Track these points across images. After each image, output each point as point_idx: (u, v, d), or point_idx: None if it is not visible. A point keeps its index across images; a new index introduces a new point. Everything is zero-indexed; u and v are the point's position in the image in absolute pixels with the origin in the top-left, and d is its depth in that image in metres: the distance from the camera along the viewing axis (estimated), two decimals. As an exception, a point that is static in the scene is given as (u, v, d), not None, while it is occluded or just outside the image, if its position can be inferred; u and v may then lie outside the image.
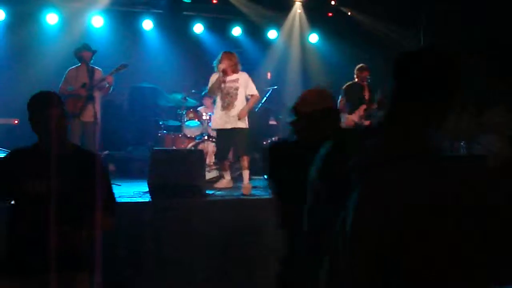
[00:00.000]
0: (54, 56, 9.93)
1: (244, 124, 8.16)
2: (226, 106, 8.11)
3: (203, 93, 10.55)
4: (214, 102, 9.92)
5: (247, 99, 8.24)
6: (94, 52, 8.86)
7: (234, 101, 8.10)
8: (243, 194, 7.66)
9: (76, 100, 8.58)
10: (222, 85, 8.10)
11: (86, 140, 8.64)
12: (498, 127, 4.29)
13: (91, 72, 8.75)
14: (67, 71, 8.77)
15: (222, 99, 8.15)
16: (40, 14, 10.99)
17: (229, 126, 8.09)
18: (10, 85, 9.80)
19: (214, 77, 8.22)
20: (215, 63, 8.21)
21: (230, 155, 8.77)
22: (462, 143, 8.56)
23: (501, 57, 9.54)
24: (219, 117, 8.19)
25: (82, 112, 8.58)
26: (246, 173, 8.12)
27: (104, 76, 8.74)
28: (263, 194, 7.75)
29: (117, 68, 8.76)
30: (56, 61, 9.46)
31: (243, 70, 8.34)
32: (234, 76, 8.17)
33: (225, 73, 8.07)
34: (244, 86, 8.18)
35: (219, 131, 8.31)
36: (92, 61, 8.85)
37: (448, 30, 10.54)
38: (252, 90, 8.28)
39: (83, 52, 8.77)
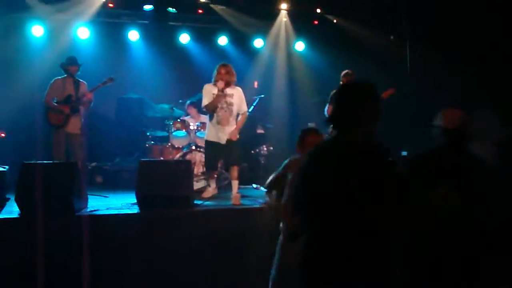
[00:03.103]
0: (40, 68, 9.88)
1: (233, 138, 8.20)
2: (220, 121, 8.11)
3: (188, 101, 10.54)
4: (199, 112, 9.93)
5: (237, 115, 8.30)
6: (80, 65, 8.86)
7: (229, 117, 8.13)
8: (233, 204, 7.64)
9: (60, 112, 8.57)
10: (222, 99, 8.05)
11: (72, 152, 8.63)
12: (480, 134, 4.34)
13: (77, 84, 8.75)
14: (52, 81, 8.76)
15: (216, 113, 8.13)
16: (26, 26, 10.97)
17: (223, 142, 8.10)
18: (-5, 98, 9.76)
19: (209, 90, 8.13)
20: (213, 74, 8.13)
21: (220, 164, 8.78)
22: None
23: (486, 61, 9.60)
24: (215, 132, 8.15)
25: (66, 123, 8.57)
26: (235, 183, 8.12)
27: (87, 90, 8.74)
28: (252, 203, 7.74)
29: (104, 82, 8.78)
30: (42, 73, 9.41)
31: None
32: (229, 91, 8.13)
33: (221, 85, 8.00)
34: (238, 103, 8.20)
35: (212, 143, 8.24)
36: (78, 73, 8.84)
37: (433, 36, 10.61)
38: (244, 107, 8.33)
39: (69, 66, 8.76)
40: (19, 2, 10.38)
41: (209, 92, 8.11)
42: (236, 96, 8.18)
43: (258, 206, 7.43)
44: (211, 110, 8.15)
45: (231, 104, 8.12)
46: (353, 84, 3.40)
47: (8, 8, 10.48)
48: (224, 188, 9.16)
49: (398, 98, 9.48)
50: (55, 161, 8.22)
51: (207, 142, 8.35)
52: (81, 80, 8.87)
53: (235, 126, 8.22)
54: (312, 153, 3.22)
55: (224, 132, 8.11)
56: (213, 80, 8.12)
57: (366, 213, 2.86)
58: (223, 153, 8.24)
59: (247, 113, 8.57)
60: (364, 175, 2.87)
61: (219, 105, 8.06)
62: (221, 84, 7.95)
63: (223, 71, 8.03)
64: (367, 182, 2.85)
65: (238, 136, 8.22)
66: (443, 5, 10.13)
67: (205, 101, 8.14)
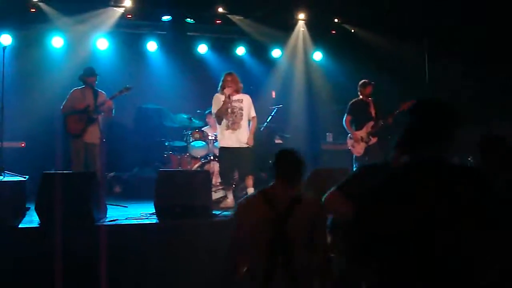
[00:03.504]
0: (60, 79, 9.98)
1: (248, 143, 8.33)
2: (231, 126, 8.29)
3: (206, 111, 10.57)
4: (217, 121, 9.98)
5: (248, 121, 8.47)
6: (97, 75, 8.93)
7: (240, 121, 8.31)
8: None
9: (77, 121, 8.63)
10: (228, 105, 8.23)
11: (90, 162, 8.67)
12: None
13: (95, 94, 8.81)
14: (71, 91, 8.84)
15: (227, 118, 8.30)
16: (46, 37, 11.08)
17: (235, 145, 8.24)
18: (16, 108, 9.83)
19: (218, 98, 8.39)
20: (220, 84, 8.35)
21: (236, 175, 8.79)
22: (469, 158, 8.60)
23: (506, 70, 9.55)
24: (227, 136, 8.31)
25: (85, 133, 8.62)
26: (251, 192, 8.12)
27: (106, 99, 8.80)
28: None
29: (120, 91, 8.83)
30: (62, 84, 9.49)
31: (245, 91, 8.57)
32: (238, 96, 8.39)
33: (229, 96, 8.23)
34: (247, 107, 8.43)
35: (225, 149, 8.39)
36: (96, 83, 8.91)
37: (452, 45, 10.55)
38: (253, 112, 8.56)
39: (88, 77, 8.84)
40: (40, 14, 10.51)
41: (218, 100, 8.38)
42: (245, 101, 8.44)
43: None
44: (221, 116, 8.34)
45: (241, 109, 8.36)
46: (444, 104, 3.11)
47: (29, 20, 10.61)
48: (241, 197, 9.14)
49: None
50: (74, 171, 8.28)
51: (221, 149, 8.49)
52: (99, 90, 8.94)
53: (246, 130, 8.39)
54: (389, 176, 2.84)
55: (235, 135, 8.27)
56: (219, 88, 8.40)
57: (468, 239, 2.56)
58: (238, 161, 8.33)
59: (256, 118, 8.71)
60: (466, 198, 2.58)
61: (229, 111, 8.27)
62: (228, 90, 8.23)
63: (229, 78, 8.36)
64: (469, 206, 2.57)
65: (253, 142, 8.39)
66: (462, 13, 10.08)
67: (214, 108, 8.43)
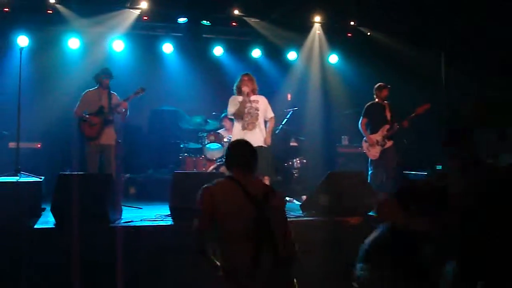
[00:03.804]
0: (76, 80, 10.00)
1: (265, 143, 8.26)
2: (247, 126, 8.22)
3: (222, 115, 10.58)
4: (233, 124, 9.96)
5: (265, 121, 8.42)
6: (112, 76, 8.93)
7: (255, 122, 8.25)
8: None
9: (93, 124, 8.63)
10: (247, 104, 8.22)
11: (105, 163, 8.68)
12: None
13: (109, 95, 8.81)
14: (84, 94, 8.85)
15: (243, 118, 8.23)
16: (62, 39, 11.14)
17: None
18: (33, 109, 9.88)
19: (235, 99, 8.36)
20: (235, 85, 8.29)
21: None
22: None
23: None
24: (241, 137, 8.15)
25: (100, 135, 8.63)
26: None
27: (120, 101, 8.80)
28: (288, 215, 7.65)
29: (136, 92, 8.83)
30: (78, 86, 9.51)
31: (261, 93, 8.53)
32: (254, 97, 8.35)
33: (247, 94, 8.20)
34: (263, 108, 8.39)
35: None
36: (110, 84, 8.90)
37: (469, 50, 10.48)
38: (271, 112, 8.54)
39: (103, 78, 8.84)
40: (57, 16, 10.54)
41: (234, 101, 8.36)
42: (261, 102, 8.41)
43: (293, 218, 7.39)
44: (240, 115, 8.28)
45: (257, 109, 8.31)
46: None
47: (46, 21, 10.67)
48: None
49: (433, 111, 9.38)
50: (90, 172, 8.30)
51: None
52: (112, 92, 8.94)
53: (262, 131, 8.32)
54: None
55: (251, 135, 8.10)
56: (234, 89, 8.40)
57: None
58: None
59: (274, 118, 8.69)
60: None
61: (246, 111, 8.23)
62: (246, 89, 8.21)
63: (246, 78, 8.35)
64: None
65: (270, 141, 8.33)
66: (479, 17, 10.01)
67: (231, 110, 8.36)
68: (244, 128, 8.22)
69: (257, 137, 8.16)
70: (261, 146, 8.16)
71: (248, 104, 8.26)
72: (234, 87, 8.42)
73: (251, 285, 3.69)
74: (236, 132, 8.35)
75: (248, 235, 3.72)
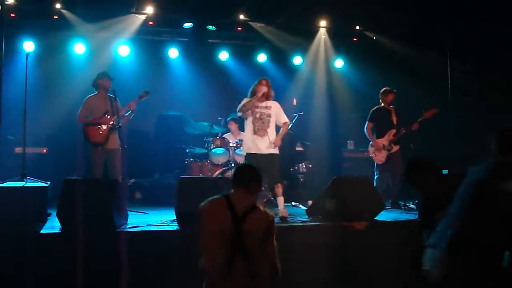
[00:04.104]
0: (81, 85, 9.97)
1: (276, 149, 8.14)
2: (258, 131, 8.07)
3: (228, 118, 10.57)
4: (239, 128, 9.93)
5: (277, 127, 8.27)
6: (113, 79, 8.90)
7: (267, 128, 8.09)
8: (281, 217, 7.59)
9: (99, 129, 8.61)
10: (256, 109, 8.08)
11: (111, 168, 8.65)
12: None
13: (110, 99, 8.78)
14: (86, 99, 8.78)
15: (254, 123, 8.10)
16: (68, 44, 11.18)
17: (261, 152, 8.02)
18: (39, 114, 9.91)
19: (245, 100, 8.18)
20: (251, 88, 8.18)
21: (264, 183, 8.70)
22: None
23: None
24: (252, 142, 8.10)
25: (106, 141, 8.60)
26: (281, 200, 8.02)
27: (125, 106, 8.77)
28: (293, 220, 7.64)
29: (140, 96, 8.81)
30: (83, 91, 9.48)
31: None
32: (267, 103, 8.18)
33: (261, 97, 8.07)
34: (275, 114, 8.21)
35: (251, 155, 8.09)
36: (116, 89, 8.87)
37: (474, 53, 10.45)
38: (284, 118, 8.33)
39: (104, 80, 8.80)
40: (62, 21, 10.56)
41: (246, 101, 8.16)
42: (274, 108, 8.22)
43: (299, 223, 7.38)
44: (245, 111, 8.11)
45: (269, 116, 8.14)
46: None
47: (51, 26, 10.70)
48: (262, 205, 9.08)
49: (440, 116, 9.35)
50: (96, 177, 8.29)
51: (247, 155, 8.18)
52: (112, 96, 8.86)
53: (273, 137, 8.14)
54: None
55: (262, 141, 8.05)
56: (250, 91, 8.20)
57: None
58: (262, 168, 8.16)
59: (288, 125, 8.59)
60: None
61: (257, 116, 8.08)
62: (263, 88, 8.04)
63: (264, 82, 8.14)
64: None
65: (280, 142, 8.19)
66: (486, 21, 9.99)
67: (240, 106, 8.17)
68: (255, 132, 8.07)
69: (267, 144, 8.06)
70: (271, 153, 8.07)
71: (260, 110, 8.11)
72: (250, 89, 8.22)
73: None
74: (248, 135, 8.21)
75: (226, 245, 4.02)
